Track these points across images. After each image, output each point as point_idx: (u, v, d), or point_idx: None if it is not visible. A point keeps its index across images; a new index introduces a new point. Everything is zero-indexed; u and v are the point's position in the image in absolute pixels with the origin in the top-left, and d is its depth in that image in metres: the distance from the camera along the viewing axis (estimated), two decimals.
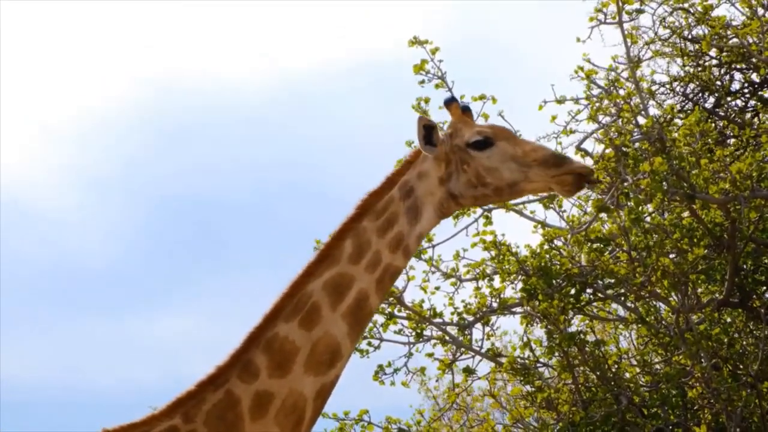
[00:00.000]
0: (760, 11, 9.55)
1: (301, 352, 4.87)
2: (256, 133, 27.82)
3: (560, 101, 9.39)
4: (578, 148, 9.24)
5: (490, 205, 9.17)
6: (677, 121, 9.19)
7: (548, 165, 5.06)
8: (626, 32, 8.83)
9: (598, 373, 8.96)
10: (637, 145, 8.19)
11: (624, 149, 7.92)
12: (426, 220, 5.16)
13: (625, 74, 9.10)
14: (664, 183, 7.52)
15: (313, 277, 4.98)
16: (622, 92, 8.85)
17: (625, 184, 7.90)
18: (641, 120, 8.55)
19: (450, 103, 5.36)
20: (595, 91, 9.14)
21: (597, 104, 8.56)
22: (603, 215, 8.53)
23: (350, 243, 5.04)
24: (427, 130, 5.21)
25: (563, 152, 5.62)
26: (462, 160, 5.17)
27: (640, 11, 9.59)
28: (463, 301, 9.47)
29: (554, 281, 8.89)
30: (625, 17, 8.73)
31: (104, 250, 27.33)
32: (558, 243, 9.21)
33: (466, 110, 5.38)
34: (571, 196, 5.14)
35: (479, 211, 9.44)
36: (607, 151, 8.10)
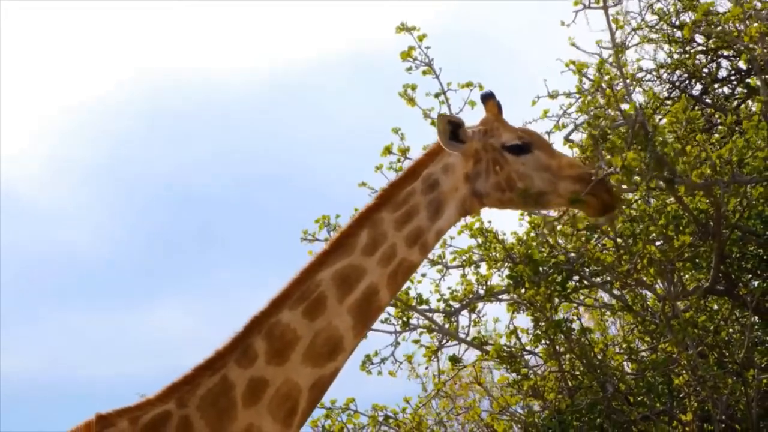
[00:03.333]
0: None
1: (301, 342, 4.78)
2: (253, 129, 27.68)
3: (553, 96, 9.33)
4: (566, 139, 9.20)
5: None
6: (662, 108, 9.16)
7: (581, 182, 5.01)
8: (611, 17, 8.75)
9: (584, 360, 8.95)
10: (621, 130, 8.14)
11: (607, 136, 7.86)
12: (447, 216, 5.01)
13: (610, 60, 9.04)
14: (637, 178, 7.44)
15: (325, 266, 4.86)
16: (605, 78, 8.80)
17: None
18: (625, 106, 8.50)
19: (487, 98, 5.20)
20: (586, 84, 9.09)
21: (589, 97, 8.50)
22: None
23: (366, 233, 4.89)
24: (453, 126, 5.05)
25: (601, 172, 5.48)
26: (495, 161, 5.04)
27: None
28: (449, 288, 9.45)
29: (541, 269, 8.85)
30: (610, 2, 8.65)
31: (100, 244, 27.19)
32: (545, 231, 9.18)
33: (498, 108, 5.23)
34: (596, 218, 5.08)
35: None
36: (585, 136, 8.05)
